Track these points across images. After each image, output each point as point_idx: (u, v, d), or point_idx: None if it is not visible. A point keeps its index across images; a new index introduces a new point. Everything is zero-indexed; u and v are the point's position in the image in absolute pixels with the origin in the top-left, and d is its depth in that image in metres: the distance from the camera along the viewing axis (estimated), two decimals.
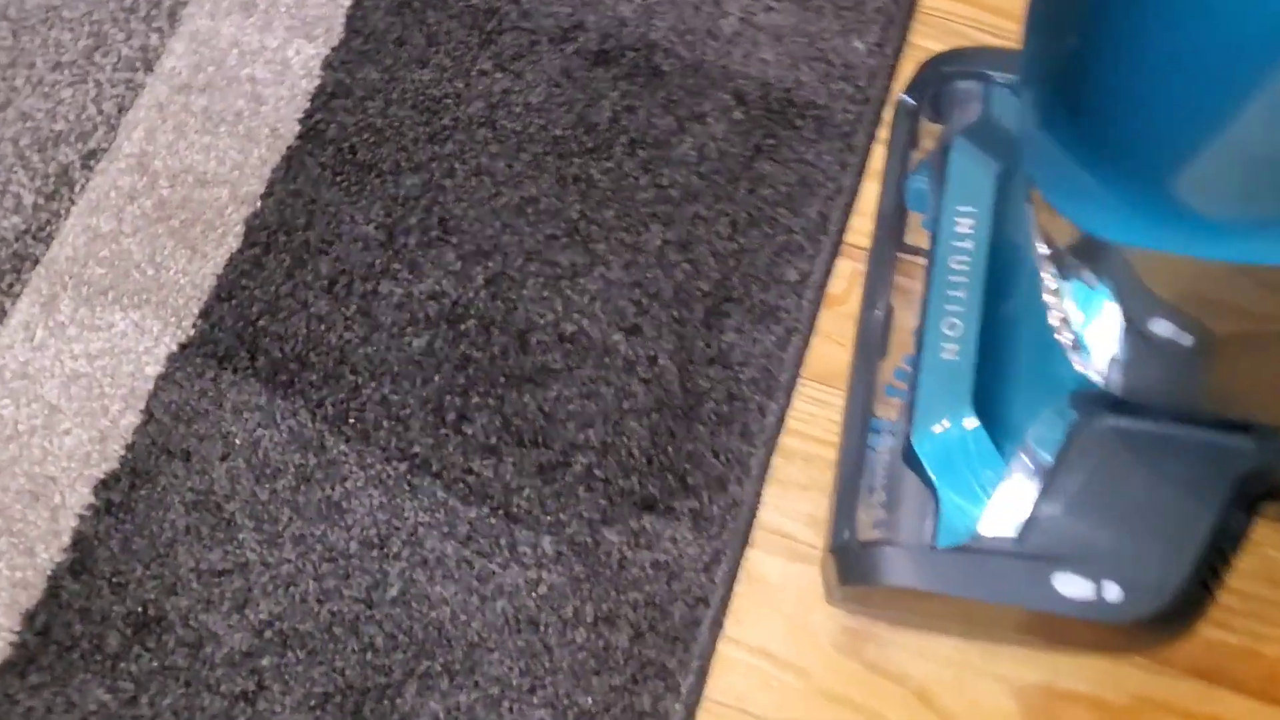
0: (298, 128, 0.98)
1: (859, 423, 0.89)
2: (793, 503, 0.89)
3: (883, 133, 1.03)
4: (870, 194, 1.01)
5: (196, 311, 0.91)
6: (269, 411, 0.88)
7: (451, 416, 0.90)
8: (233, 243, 0.93)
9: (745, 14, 1.06)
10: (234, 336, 0.91)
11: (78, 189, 0.95)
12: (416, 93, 1.01)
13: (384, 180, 0.97)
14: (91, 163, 0.96)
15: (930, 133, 1.01)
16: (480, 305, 0.93)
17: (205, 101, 0.99)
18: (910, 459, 0.76)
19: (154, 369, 0.89)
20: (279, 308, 0.92)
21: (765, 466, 0.89)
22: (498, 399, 0.90)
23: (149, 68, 1.00)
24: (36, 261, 0.92)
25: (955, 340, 0.85)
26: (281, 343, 0.91)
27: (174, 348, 0.90)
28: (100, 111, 0.98)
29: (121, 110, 0.98)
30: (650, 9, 1.05)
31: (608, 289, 0.94)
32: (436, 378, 0.90)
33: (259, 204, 0.95)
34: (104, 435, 0.87)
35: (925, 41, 1.09)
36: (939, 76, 0.98)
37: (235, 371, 0.89)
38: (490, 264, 0.94)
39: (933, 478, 0.76)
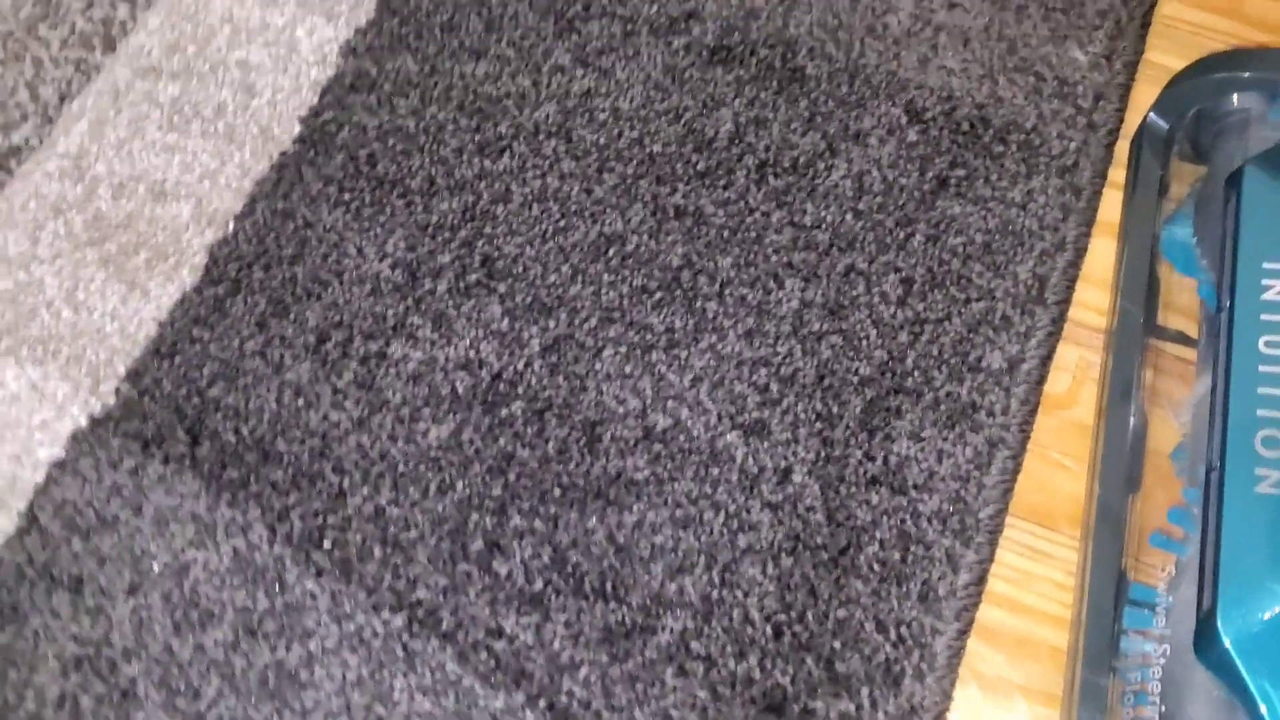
0: (298, 128, 0.70)
1: (1107, 590, 0.57)
2: (1002, 710, 0.57)
3: (1115, 173, 0.72)
4: (1103, 253, 0.69)
5: (122, 372, 0.62)
6: (208, 523, 0.58)
7: (478, 545, 0.59)
8: (188, 278, 0.65)
9: (920, 10, 0.76)
10: (170, 410, 0.61)
11: None
12: (466, 90, 0.72)
13: (410, 202, 0.68)
14: (12, 163, 0.68)
15: (1182, 176, 0.70)
16: (533, 381, 0.63)
17: (176, 90, 0.71)
18: (1209, 651, 0.44)
19: (50, 451, 0.60)
20: (240, 371, 0.62)
21: (959, 652, 0.56)
22: (549, 521, 0.59)
23: (109, 45, 0.73)
24: None
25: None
26: (238, 422, 0.61)
27: (83, 422, 0.61)
28: (34, 97, 0.71)
29: (64, 98, 0.71)
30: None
31: (719, 366, 0.63)
32: (460, 485, 0.60)
33: (231, 226, 0.66)
34: None
35: (1164, 58, 0.78)
36: (1204, 88, 0.67)
37: (167, 461, 0.60)
38: (551, 324, 0.64)
39: (1251, 684, 0.44)
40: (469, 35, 0.75)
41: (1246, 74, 0.66)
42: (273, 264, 0.66)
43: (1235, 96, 0.67)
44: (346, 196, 0.69)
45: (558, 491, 0.61)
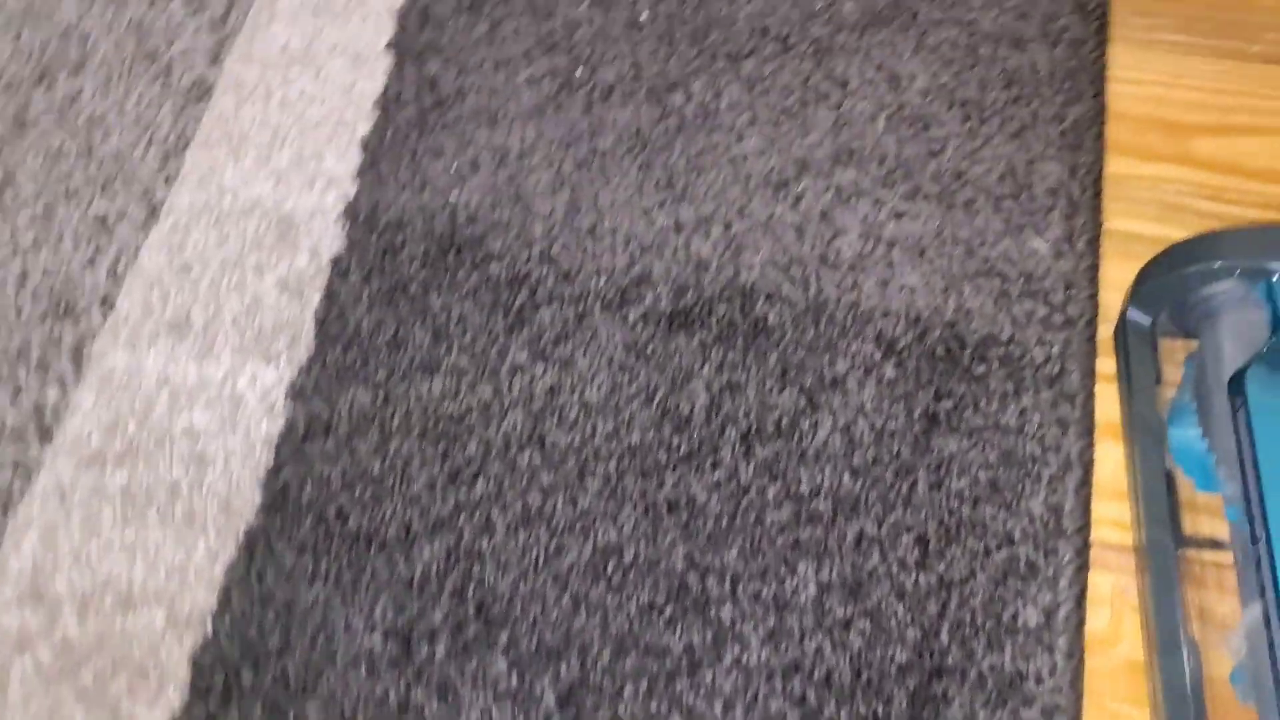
0: (259, 496, 0.66)
1: None
2: None
3: (1102, 363, 0.70)
4: (1111, 459, 0.67)
5: None
6: None
7: None
8: (174, 696, 0.61)
9: (867, 227, 0.74)
10: None
11: None
12: (425, 413, 0.69)
13: (390, 557, 0.64)
14: None
15: (1173, 352, 0.68)
16: None
17: (124, 478, 0.67)
18: None
19: None
20: None
21: None
22: None
23: (46, 435, 0.69)
24: None
25: None
26: None
27: None
28: None
29: (6, 508, 0.67)
30: (736, 241, 0.74)
31: (749, 684, 0.59)
32: None
33: (209, 626, 0.62)
34: None
35: (1125, 223, 0.76)
36: (1179, 282, 0.65)
37: None
38: (563, 669, 0.61)
39: None
40: (417, 350, 0.72)
41: (1218, 263, 0.64)
42: (260, 661, 0.62)
43: (1217, 286, 0.65)
44: (324, 566, 0.65)
45: None
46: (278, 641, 0.63)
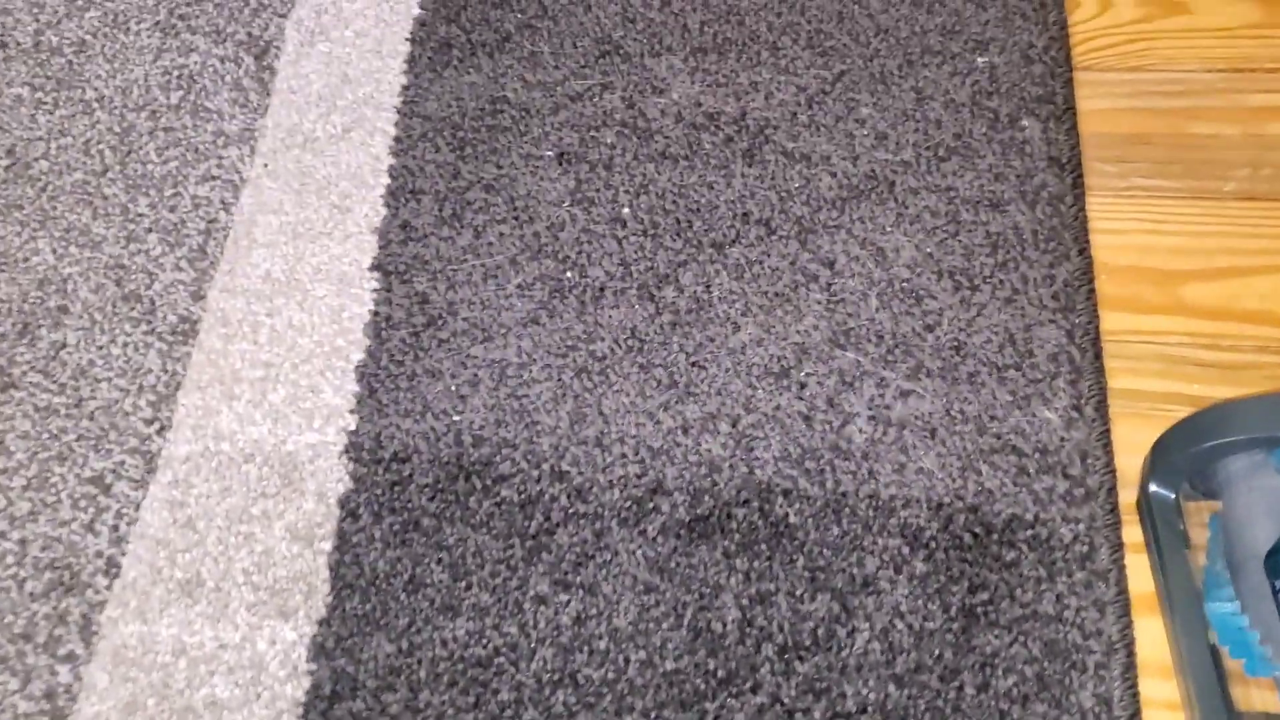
0: None
1: None
2: None
3: (1128, 532, 0.69)
4: (1151, 636, 0.66)
5: None
6: None
7: None
8: None
9: (876, 410, 0.74)
10: None
11: None
12: (452, 660, 0.67)
13: None
14: None
15: (1198, 513, 0.68)
16: None
17: None
18: None
19: None
20: None
21: None
22: None
23: None
24: None
25: None
26: None
27: None
28: None
29: None
30: (746, 436, 0.73)
31: None
32: None
33: None
34: None
35: (1129, 381, 0.76)
36: (1197, 458, 0.65)
37: None
38: None
39: None
40: (437, 591, 0.71)
41: (1234, 437, 0.64)
42: None
43: (1232, 460, 0.65)
44: None
45: None
46: None
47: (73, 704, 0.69)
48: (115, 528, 0.75)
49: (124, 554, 0.74)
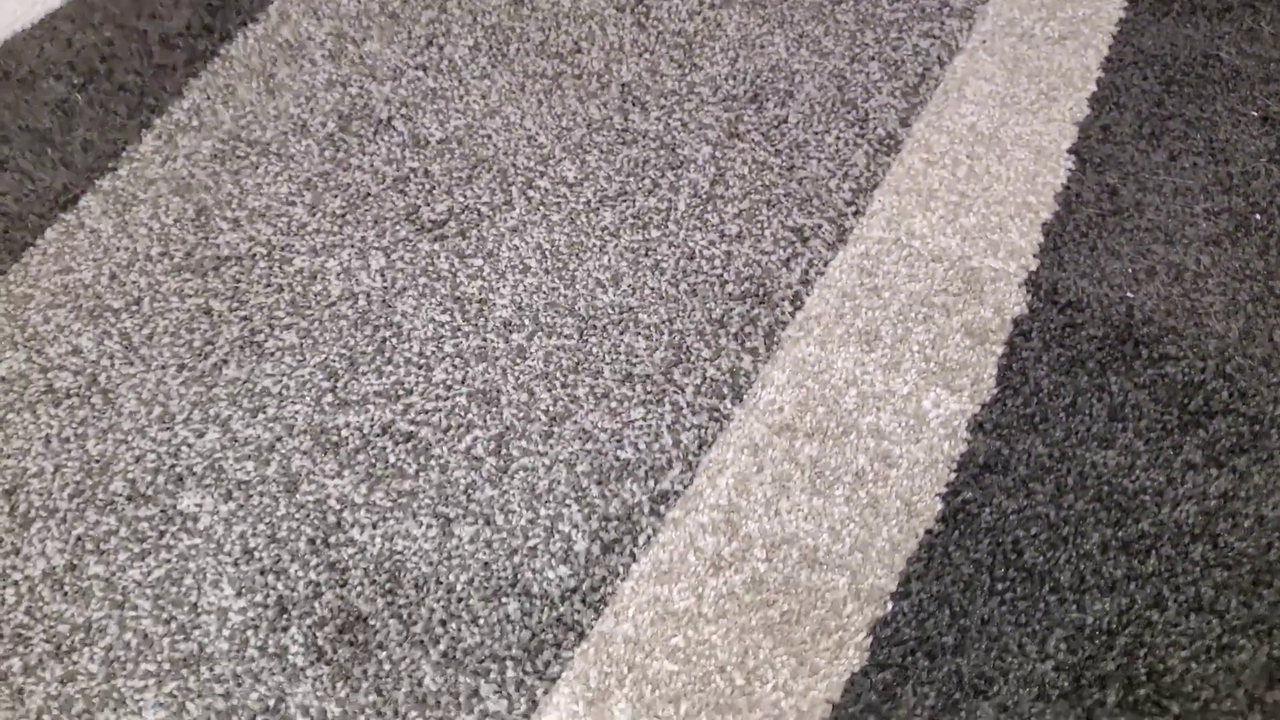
0: (939, 506, 0.71)
1: None
2: None
3: None
4: None
5: None
6: None
7: None
8: (853, 657, 0.65)
9: None
10: None
11: (642, 540, 0.70)
12: (1100, 480, 0.72)
13: (1063, 599, 0.67)
14: (662, 508, 0.71)
15: None
16: None
17: (814, 451, 0.73)
18: None
19: None
20: None
21: None
22: None
23: (738, 396, 0.76)
24: (583, 635, 0.66)
25: None
26: None
27: None
28: (677, 443, 0.74)
29: (702, 445, 0.74)
30: None
31: None
32: None
33: (889, 606, 0.66)
34: None
35: None
36: None
37: None
38: None
39: None
40: (1094, 421, 0.75)
41: None
42: (936, 653, 0.66)
43: None
44: (999, 586, 0.68)
45: None
46: (952, 641, 0.66)
47: (750, 385, 0.78)
48: (806, 272, 0.84)
49: (809, 294, 0.83)
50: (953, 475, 0.73)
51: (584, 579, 0.69)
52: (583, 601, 0.68)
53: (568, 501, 0.72)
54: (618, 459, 0.74)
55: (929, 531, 0.71)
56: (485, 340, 0.80)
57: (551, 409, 0.76)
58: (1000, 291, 0.82)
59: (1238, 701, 0.64)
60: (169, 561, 0.69)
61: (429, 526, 0.70)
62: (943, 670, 0.65)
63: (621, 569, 0.69)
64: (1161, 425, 0.76)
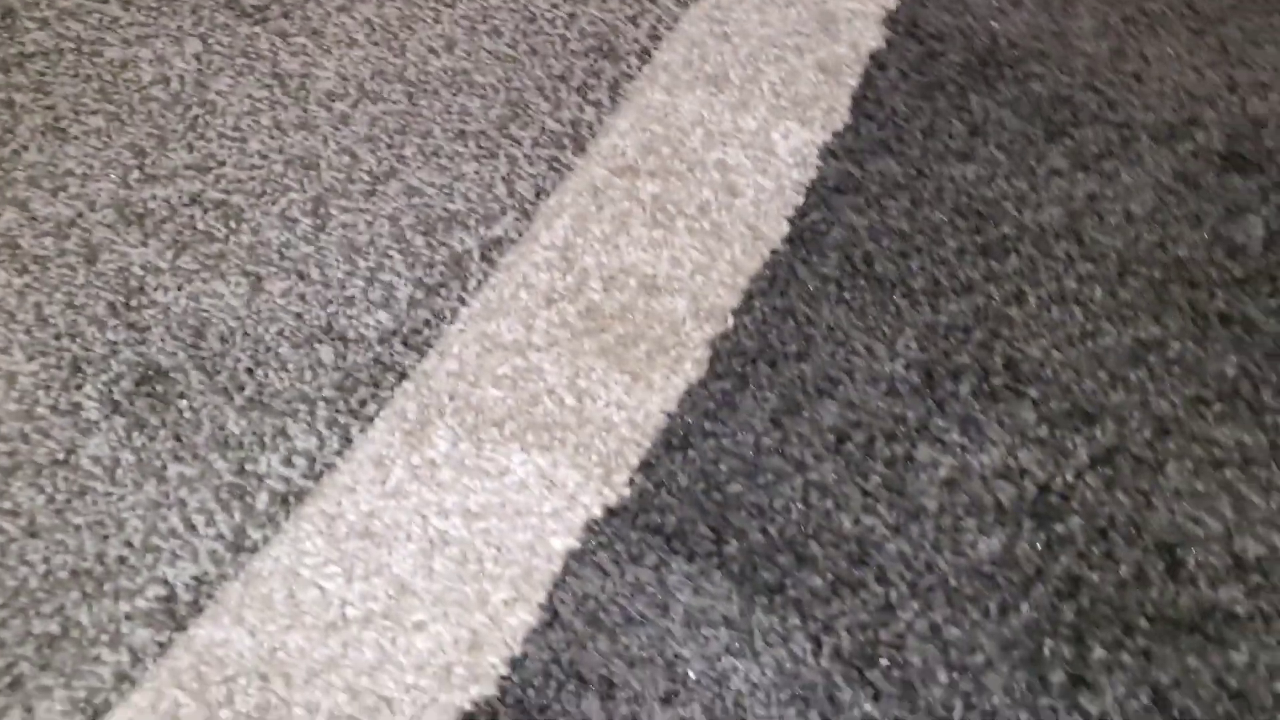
0: (786, 228, 0.66)
1: None
2: None
3: None
4: None
5: (635, 463, 0.57)
6: (744, 629, 0.52)
7: (1059, 678, 0.50)
8: (692, 371, 0.60)
9: None
10: (690, 505, 0.56)
11: (472, 284, 0.65)
12: (959, 191, 0.68)
13: (915, 303, 0.62)
14: (494, 254, 0.66)
15: None
16: (1088, 496, 0.55)
17: (656, 188, 0.68)
18: None
19: (564, 541, 0.55)
20: (759, 468, 0.57)
21: None
22: (1140, 656, 0.50)
23: (580, 147, 0.71)
24: (404, 375, 0.62)
25: None
26: (764, 521, 0.55)
27: (597, 512, 0.55)
28: (512, 193, 0.70)
29: (540, 194, 0.69)
30: None
31: None
32: (1025, 606, 0.52)
33: (730, 321, 0.62)
34: (477, 641, 0.52)
35: None
36: None
37: (691, 559, 0.54)
38: (1098, 433, 0.57)
39: None
40: (953, 139, 0.71)
41: None
42: (778, 361, 0.61)
43: None
44: (846, 295, 0.64)
45: (1143, 623, 0.52)
46: (795, 349, 0.62)
47: (593, 137, 0.73)
48: (654, 28, 0.80)
49: (658, 48, 0.78)
50: (801, 200, 0.69)
51: (405, 322, 0.64)
52: (404, 343, 0.63)
53: (390, 253, 0.67)
54: (446, 210, 0.69)
55: (774, 251, 0.66)
56: (306, 110, 0.75)
57: (375, 169, 0.71)
58: (857, 29, 0.78)
59: (1099, 382, 0.59)
60: None
61: (237, 285, 0.65)
62: (786, 376, 0.61)
63: (449, 312, 0.65)
64: (1025, 137, 0.71)
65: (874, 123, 0.72)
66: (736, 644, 0.52)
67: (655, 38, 0.79)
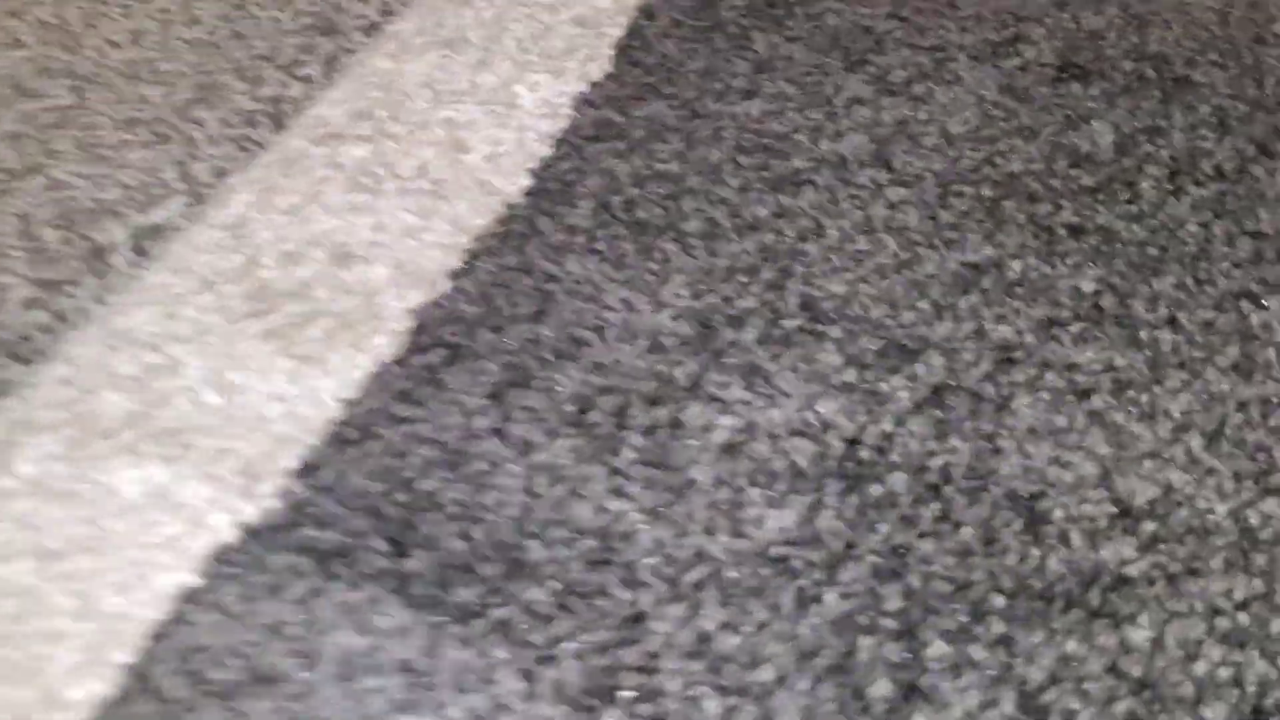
0: (527, 180, 0.52)
1: None
2: None
3: None
4: None
5: (291, 466, 0.41)
6: (427, 674, 0.35)
7: (883, 690, 0.34)
8: (386, 348, 0.45)
9: None
10: (363, 513, 0.40)
11: (114, 278, 0.49)
12: (741, 129, 0.54)
13: (686, 246, 0.48)
14: (149, 242, 0.51)
15: None
16: (911, 445, 0.40)
17: (363, 152, 0.54)
18: None
19: (174, 579, 0.38)
20: (466, 457, 0.41)
21: None
22: (997, 647, 0.34)
23: (280, 124, 0.57)
24: (1, 390, 0.45)
25: None
26: (465, 524, 0.39)
27: (228, 536, 0.39)
28: (184, 177, 0.55)
29: (221, 175, 0.54)
30: (1142, 20, 0.58)
31: (1212, 410, 0.39)
32: (829, 596, 0.36)
33: (447, 285, 0.47)
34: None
35: None
36: None
37: (356, 584, 0.37)
38: (920, 371, 0.42)
39: None
40: (735, 78, 0.58)
41: None
42: (505, 325, 0.46)
43: None
44: (599, 246, 0.49)
45: (1000, 600, 0.36)
46: (530, 309, 0.47)
47: (296, 113, 0.59)
48: (386, 3, 0.67)
49: (389, 20, 0.65)
50: (550, 151, 0.54)
51: (13, 328, 0.47)
52: (8, 353, 0.47)
53: (9, 252, 0.51)
54: (95, 201, 0.54)
55: (510, 205, 0.51)
56: None
57: (15, 167, 0.56)
58: None
59: (921, 313, 0.45)
60: None
61: None
62: (514, 342, 0.45)
63: (74, 312, 0.48)
64: (820, 69, 0.58)
65: (640, 69, 0.59)
66: (414, 696, 0.34)
67: (388, 13, 0.66)
